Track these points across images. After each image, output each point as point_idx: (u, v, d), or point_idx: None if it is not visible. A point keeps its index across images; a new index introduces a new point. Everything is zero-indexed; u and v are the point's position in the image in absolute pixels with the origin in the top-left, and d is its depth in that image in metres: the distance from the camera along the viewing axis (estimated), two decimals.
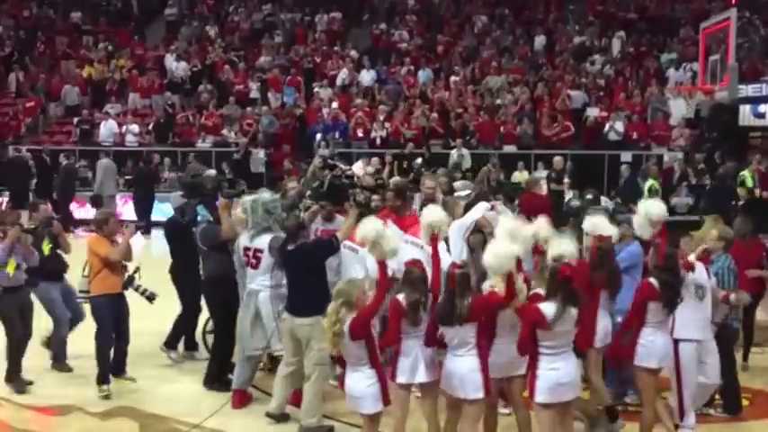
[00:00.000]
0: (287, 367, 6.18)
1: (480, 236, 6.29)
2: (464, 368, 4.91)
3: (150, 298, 7.23)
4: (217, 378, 7.01)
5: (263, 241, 6.38)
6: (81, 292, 7.11)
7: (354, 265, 6.27)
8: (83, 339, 7.43)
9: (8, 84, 21.46)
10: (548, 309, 4.81)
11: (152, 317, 7.65)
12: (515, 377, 5.26)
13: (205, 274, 6.99)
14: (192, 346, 7.91)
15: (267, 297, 6.42)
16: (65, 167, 16.87)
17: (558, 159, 15.27)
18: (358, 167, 14.50)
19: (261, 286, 6.43)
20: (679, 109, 17.80)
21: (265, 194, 6.65)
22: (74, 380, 7.25)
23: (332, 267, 6.35)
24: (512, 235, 5.17)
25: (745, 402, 6.53)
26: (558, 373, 4.81)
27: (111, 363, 7.03)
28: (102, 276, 6.77)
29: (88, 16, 24.15)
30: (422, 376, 5.13)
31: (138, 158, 17.36)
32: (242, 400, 6.65)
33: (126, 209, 16.68)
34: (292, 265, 6.05)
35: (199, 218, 7.25)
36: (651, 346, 5.44)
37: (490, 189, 12.51)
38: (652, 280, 5.43)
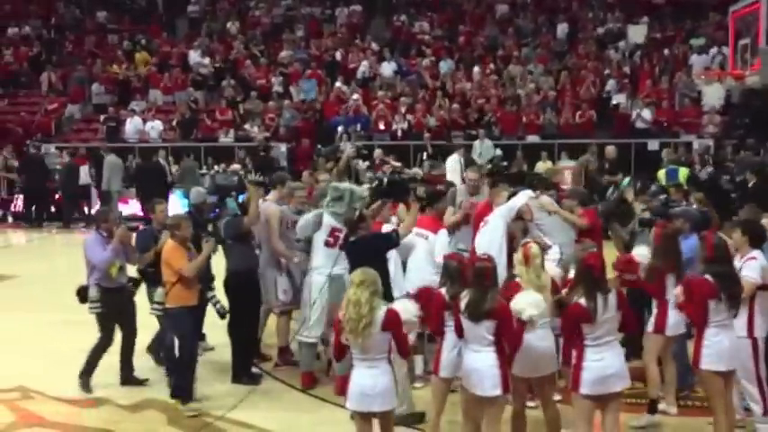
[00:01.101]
0: None
1: (521, 222, 6.29)
2: (482, 364, 4.86)
3: (221, 314, 6.82)
4: (244, 373, 7.01)
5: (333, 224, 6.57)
6: (157, 303, 6.55)
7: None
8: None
9: (40, 83, 21.69)
10: (584, 301, 4.75)
11: None
12: (544, 376, 5.16)
13: (230, 269, 6.96)
14: (200, 336, 7.84)
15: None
16: (67, 165, 17.01)
17: (610, 149, 14.26)
18: (454, 160, 14.67)
19: (345, 270, 6.39)
20: (712, 95, 17.45)
21: (357, 188, 6.81)
22: (104, 373, 7.24)
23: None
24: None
25: None
26: (603, 363, 4.74)
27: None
28: (179, 287, 6.37)
29: (113, 15, 24.37)
30: (447, 371, 5.11)
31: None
32: (310, 380, 6.78)
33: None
34: (354, 256, 6.12)
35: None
36: (717, 348, 5.13)
37: (588, 180, 12.45)
38: (707, 276, 5.13)
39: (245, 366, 7.05)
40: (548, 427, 5.31)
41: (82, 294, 6.79)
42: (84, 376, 6.92)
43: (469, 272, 5.08)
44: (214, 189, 8.32)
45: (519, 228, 6.32)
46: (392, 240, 6.13)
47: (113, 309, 6.76)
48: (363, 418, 4.85)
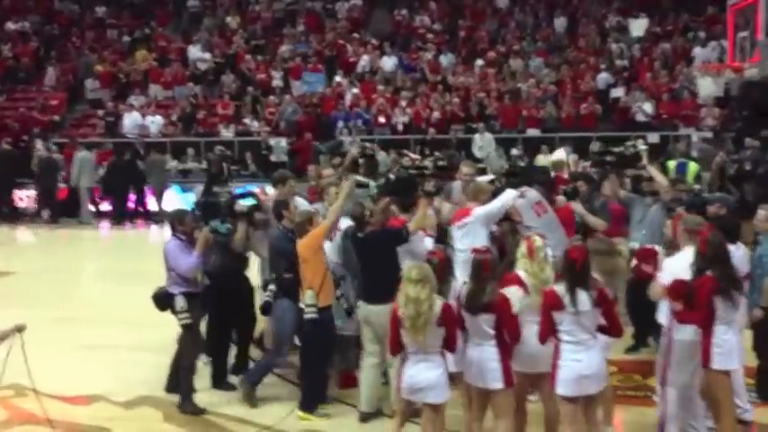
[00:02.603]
0: (370, 358, 6.08)
1: (508, 224, 6.22)
2: (483, 358, 4.88)
3: (349, 312, 6.45)
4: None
5: (343, 223, 6.60)
6: (310, 306, 6.03)
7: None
8: (110, 327, 7.46)
9: (39, 78, 21.68)
10: (561, 290, 4.75)
11: None
12: (546, 373, 5.07)
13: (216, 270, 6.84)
14: None
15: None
16: (46, 159, 16.90)
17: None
18: (559, 155, 14.53)
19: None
20: (706, 88, 17.43)
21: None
22: (99, 369, 7.32)
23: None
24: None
25: None
26: (580, 364, 4.72)
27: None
28: (328, 284, 6.07)
29: (113, 10, 24.38)
30: (452, 366, 5.09)
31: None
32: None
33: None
34: (362, 251, 6.15)
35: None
36: (728, 346, 5.01)
37: (722, 177, 12.24)
38: (709, 273, 5.00)
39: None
40: (546, 423, 5.30)
41: (161, 302, 6.39)
42: (187, 401, 6.42)
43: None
44: (201, 206, 7.87)
45: (507, 229, 6.22)
46: (401, 236, 6.05)
47: (197, 316, 6.41)
48: (408, 407, 5.02)
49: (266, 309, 6.44)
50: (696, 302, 4.98)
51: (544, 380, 5.15)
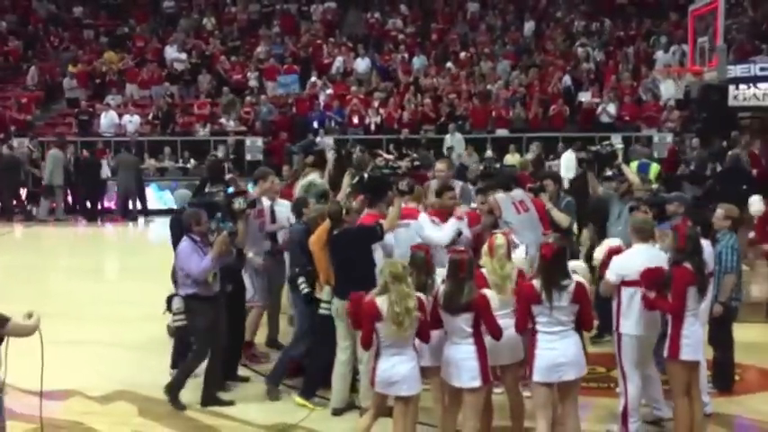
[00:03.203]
0: (343, 353, 6.09)
1: (491, 217, 6.45)
2: (460, 356, 4.87)
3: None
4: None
5: None
6: (326, 302, 6.18)
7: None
8: (86, 324, 7.69)
9: (25, 77, 21.73)
10: (538, 284, 4.85)
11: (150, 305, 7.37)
12: (510, 364, 5.22)
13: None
14: None
15: None
16: (8, 158, 16.92)
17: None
18: (568, 158, 14.44)
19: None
20: (667, 90, 18.03)
21: (318, 180, 7.00)
22: (74, 364, 7.26)
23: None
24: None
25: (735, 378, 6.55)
26: (555, 352, 4.80)
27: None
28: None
29: (89, 10, 24.47)
30: (426, 360, 5.13)
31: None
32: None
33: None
34: (337, 248, 6.11)
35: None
36: (695, 338, 5.16)
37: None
38: (687, 264, 5.14)
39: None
40: (511, 413, 5.36)
41: (168, 302, 6.35)
42: (174, 391, 6.32)
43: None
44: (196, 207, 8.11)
45: (489, 222, 6.38)
46: (376, 233, 6.03)
47: (206, 320, 6.20)
48: (383, 401, 5.08)
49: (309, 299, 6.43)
50: (672, 292, 5.08)
51: (508, 371, 5.24)
